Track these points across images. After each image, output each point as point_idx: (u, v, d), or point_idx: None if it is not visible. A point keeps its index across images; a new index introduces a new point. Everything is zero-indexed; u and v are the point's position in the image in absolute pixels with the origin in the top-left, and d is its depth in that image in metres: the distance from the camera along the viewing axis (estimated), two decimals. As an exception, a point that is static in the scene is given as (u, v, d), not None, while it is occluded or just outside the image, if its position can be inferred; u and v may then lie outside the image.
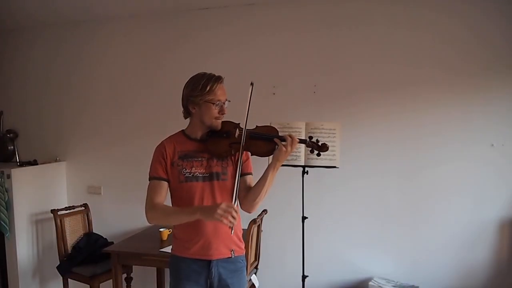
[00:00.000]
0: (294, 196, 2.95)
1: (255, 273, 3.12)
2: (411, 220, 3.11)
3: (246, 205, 1.87)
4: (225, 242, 1.85)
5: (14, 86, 4.03)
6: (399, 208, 3.13)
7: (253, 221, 2.81)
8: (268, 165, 1.83)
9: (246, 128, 1.80)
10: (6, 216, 3.33)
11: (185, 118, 1.92)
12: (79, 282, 3.30)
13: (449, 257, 3.05)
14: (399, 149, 3.12)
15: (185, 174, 1.82)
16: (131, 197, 3.64)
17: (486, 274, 2.99)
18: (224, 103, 1.84)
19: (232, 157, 1.88)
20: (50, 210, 3.41)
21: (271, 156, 1.84)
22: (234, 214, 1.61)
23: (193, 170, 1.83)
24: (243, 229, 2.01)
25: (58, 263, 3.35)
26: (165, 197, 1.85)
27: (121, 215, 3.72)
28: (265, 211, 3.10)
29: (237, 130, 1.84)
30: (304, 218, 2.84)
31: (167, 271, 3.29)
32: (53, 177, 3.80)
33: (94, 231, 3.64)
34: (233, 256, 1.88)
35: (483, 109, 2.97)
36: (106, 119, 3.79)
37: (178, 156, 1.84)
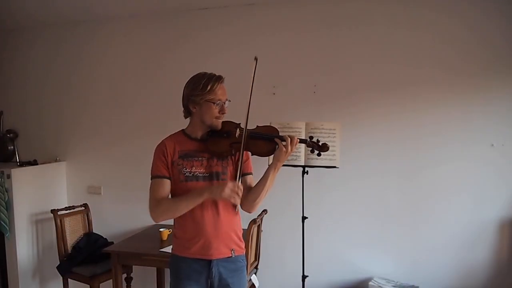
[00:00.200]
0: (294, 196, 2.95)
1: (255, 273, 3.12)
2: (411, 220, 3.11)
3: (247, 205, 1.88)
4: (226, 241, 1.86)
5: (14, 86, 4.02)
6: (399, 208, 3.14)
7: (253, 221, 2.81)
8: (269, 166, 1.84)
9: (247, 128, 1.80)
10: (6, 216, 3.33)
11: (186, 117, 1.92)
12: (79, 282, 3.30)
13: (449, 257, 3.05)
14: (399, 149, 3.12)
15: (185, 174, 1.82)
16: (131, 197, 3.64)
17: (486, 274, 3.00)
18: (224, 103, 1.84)
19: (232, 157, 1.89)
20: (50, 210, 3.41)
21: (271, 156, 1.84)
22: (240, 193, 1.72)
23: (193, 169, 1.83)
24: (243, 229, 2.01)
25: (58, 263, 3.35)
26: (168, 194, 1.86)
27: (121, 215, 3.72)
28: (265, 211, 3.10)
29: (238, 130, 1.84)
30: (304, 218, 2.84)
31: (167, 271, 3.30)
32: (53, 177, 3.80)
33: (94, 231, 3.64)
34: (233, 256, 1.88)
35: (483, 109, 2.97)
36: (106, 119, 3.79)
37: (178, 155, 1.84)
